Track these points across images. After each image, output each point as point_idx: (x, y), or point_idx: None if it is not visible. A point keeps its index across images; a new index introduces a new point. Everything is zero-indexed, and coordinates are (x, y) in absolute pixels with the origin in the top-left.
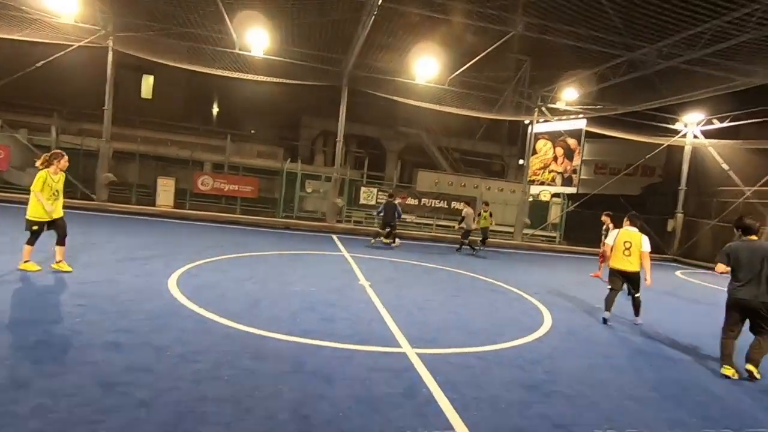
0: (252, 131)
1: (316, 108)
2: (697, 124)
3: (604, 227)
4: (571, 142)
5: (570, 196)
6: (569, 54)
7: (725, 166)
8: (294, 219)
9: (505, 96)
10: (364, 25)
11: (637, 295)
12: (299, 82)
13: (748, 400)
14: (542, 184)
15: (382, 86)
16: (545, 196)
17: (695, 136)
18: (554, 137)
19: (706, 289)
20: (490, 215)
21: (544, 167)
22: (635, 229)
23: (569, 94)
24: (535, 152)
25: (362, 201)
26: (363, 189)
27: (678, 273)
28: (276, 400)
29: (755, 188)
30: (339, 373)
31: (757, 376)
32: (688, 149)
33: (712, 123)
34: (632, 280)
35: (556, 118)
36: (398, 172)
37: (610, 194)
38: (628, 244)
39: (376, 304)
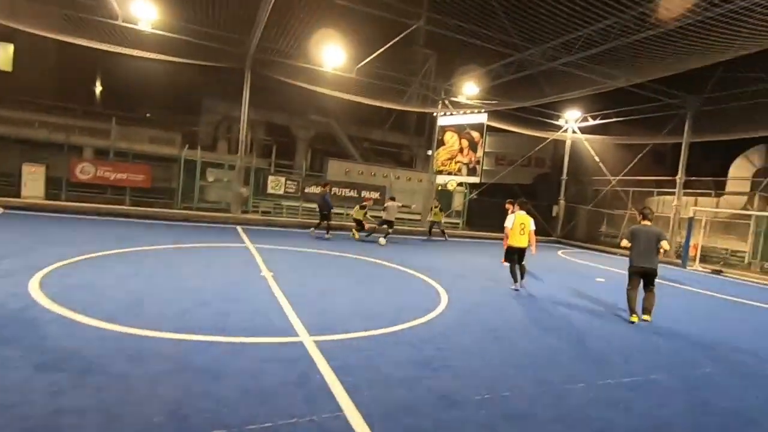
0: (147, 114)
1: (220, 91)
2: (576, 120)
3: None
4: (475, 134)
5: (472, 185)
6: (468, 50)
7: (597, 158)
8: (194, 210)
9: (413, 88)
10: (266, 5)
11: (524, 263)
12: (195, 61)
13: (638, 338)
14: (450, 174)
15: (289, 72)
16: (452, 186)
17: (574, 132)
18: (460, 130)
19: (581, 265)
20: (441, 210)
21: (452, 158)
22: (525, 213)
23: (469, 88)
24: (443, 144)
25: (270, 190)
26: (271, 178)
27: (560, 252)
28: (152, 403)
29: (618, 178)
30: (228, 368)
31: (649, 319)
32: (568, 143)
33: (587, 120)
34: (522, 253)
35: (460, 111)
36: (309, 160)
37: (507, 183)
38: (522, 225)
39: (277, 295)
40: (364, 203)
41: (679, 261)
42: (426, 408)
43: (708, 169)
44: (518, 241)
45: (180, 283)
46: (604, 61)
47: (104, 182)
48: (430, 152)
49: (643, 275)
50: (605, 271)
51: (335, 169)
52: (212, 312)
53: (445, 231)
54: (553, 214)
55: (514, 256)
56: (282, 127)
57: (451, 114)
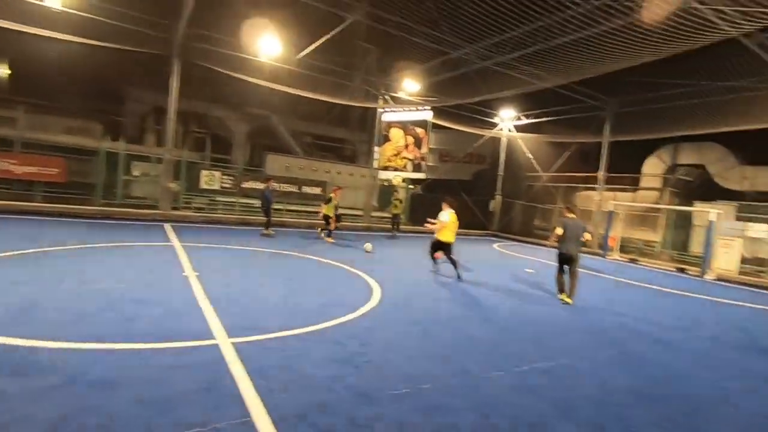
0: (62, 103)
1: (147, 80)
2: (511, 119)
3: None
4: (420, 131)
5: (414, 180)
6: (407, 47)
7: (529, 155)
8: (117, 207)
9: (355, 83)
10: None
11: (453, 256)
12: (114, 45)
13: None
14: (396, 169)
15: (223, 62)
16: (397, 181)
17: (509, 130)
18: (405, 126)
19: (513, 257)
20: (401, 202)
21: (397, 154)
22: (453, 211)
23: (409, 85)
24: (388, 140)
25: (203, 186)
26: (204, 172)
27: (495, 245)
28: (29, 423)
29: (549, 174)
30: (128, 377)
31: (570, 301)
32: (504, 141)
33: (521, 119)
34: (450, 247)
35: (405, 108)
36: (248, 155)
37: (449, 179)
38: (453, 221)
39: (198, 296)
40: (331, 196)
41: (601, 251)
42: (341, 407)
43: (627, 167)
44: (449, 237)
45: (85, 286)
46: (532, 63)
47: (9, 176)
48: (376, 149)
49: (568, 260)
50: (535, 262)
51: (274, 163)
52: (117, 317)
53: (400, 226)
54: (490, 208)
55: (442, 248)
56: (218, 119)
57: (394, 110)
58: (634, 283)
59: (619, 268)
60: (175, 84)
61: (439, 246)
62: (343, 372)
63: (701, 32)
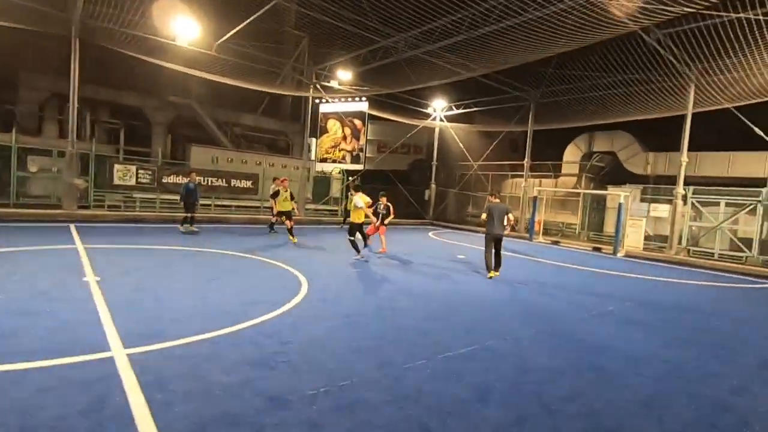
0: None
1: (45, 63)
2: (442, 109)
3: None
4: (357, 122)
5: (351, 172)
6: (338, 35)
7: (461, 145)
8: (11, 207)
9: (286, 71)
10: None
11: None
12: (2, 23)
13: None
14: (335, 161)
15: (131, 44)
16: (335, 172)
17: (442, 120)
18: (342, 117)
19: (447, 244)
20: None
21: (335, 146)
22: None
23: (341, 74)
24: (326, 131)
25: (117, 181)
26: (117, 167)
27: (430, 233)
28: None
29: (480, 162)
30: None
31: (496, 274)
32: (437, 130)
33: (453, 109)
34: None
35: (340, 98)
36: (169, 147)
37: (386, 170)
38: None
39: (98, 304)
40: (278, 189)
41: (527, 234)
42: (250, 414)
43: (551, 155)
44: (362, 217)
45: None
46: (459, 52)
47: None
48: (312, 140)
49: (495, 241)
50: (468, 248)
51: (200, 156)
52: None
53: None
54: (426, 197)
55: (355, 230)
56: (133, 108)
57: (328, 101)
58: (557, 263)
59: (542, 250)
60: (75, 68)
61: (356, 228)
62: (255, 375)
63: (607, 25)
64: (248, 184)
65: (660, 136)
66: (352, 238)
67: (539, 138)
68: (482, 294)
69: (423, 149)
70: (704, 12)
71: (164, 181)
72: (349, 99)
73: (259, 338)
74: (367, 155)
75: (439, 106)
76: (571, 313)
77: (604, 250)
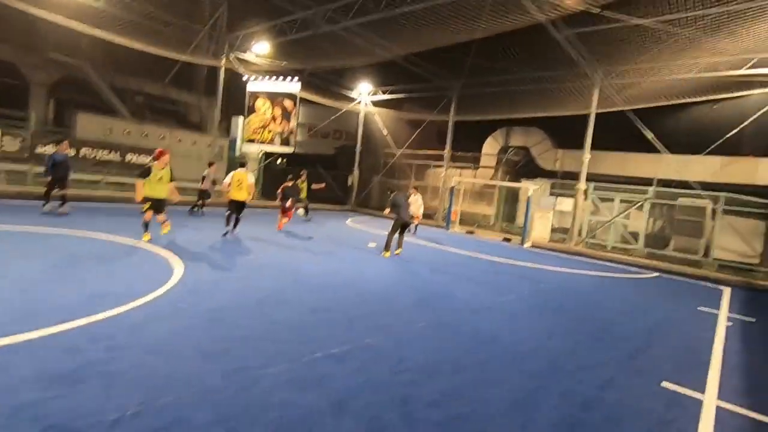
0: None
1: None
2: (368, 93)
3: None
4: (288, 103)
5: (269, 155)
6: (255, 2)
7: (384, 131)
8: None
9: (200, 39)
10: None
11: (240, 216)
12: None
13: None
14: (262, 143)
15: None
16: (255, 155)
17: (367, 104)
18: (272, 97)
19: (362, 232)
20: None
21: (264, 126)
22: (244, 170)
23: (259, 46)
24: (254, 111)
25: None
26: None
27: (349, 221)
28: None
29: (405, 150)
30: None
31: (399, 253)
32: (361, 115)
33: (378, 93)
34: (241, 205)
35: (271, 77)
36: (51, 112)
37: (313, 153)
38: (239, 181)
39: None
40: (150, 165)
41: (444, 224)
42: None
43: (473, 147)
44: (236, 195)
45: None
46: (377, 31)
47: None
48: (240, 118)
49: (402, 226)
50: (382, 237)
51: (90, 124)
52: None
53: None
54: (349, 183)
55: (233, 207)
56: (5, 63)
57: (260, 80)
58: (466, 252)
59: (456, 240)
60: None
61: (231, 204)
62: (48, 394)
63: (517, 13)
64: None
65: (569, 134)
66: (228, 213)
67: (463, 130)
68: (378, 284)
69: (352, 134)
70: (604, 14)
71: (38, 151)
72: (281, 78)
73: (81, 342)
74: (297, 138)
75: (365, 90)
76: (464, 304)
77: (513, 241)
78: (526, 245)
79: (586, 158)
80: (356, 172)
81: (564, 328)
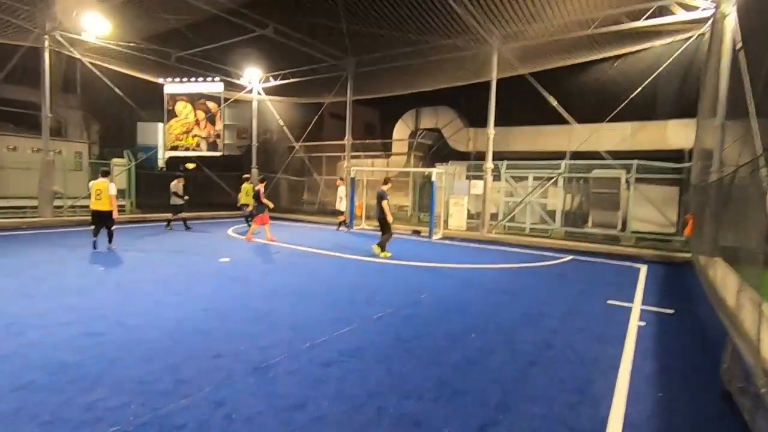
0: None
1: None
2: (259, 80)
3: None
4: (211, 105)
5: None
6: None
7: (281, 122)
8: None
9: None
10: None
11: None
12: None
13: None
14: (187, 149)
15: None
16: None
17: (259, 93)
18: (194, 99)
19: (235, 242)
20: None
21: (187, 131)
22: (103, 180)
23: (93, 22)
24: (174, 115)
25: None
26: None
27: (231, 229)
28: None
29: (303, 144)
30: None
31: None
32: (255, 104)
33: (269, 80)
34: (102, 216)
35: (188, 78)
36: None
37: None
38: (98, 191)
39: None
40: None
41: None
42: None
43: (385, 133)
44: (95, 205)
45: None
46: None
47: None
48: (159, 125)
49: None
50: (259, 247)
51: None
52: None
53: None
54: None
55: (95, 219)
56: None
57: (179, 81)
58: (351, 257)
59: (352, 239)
60: None
61: (98, 217)
62: None
63: None
64: None
65: (479, 111)
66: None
67: (370, 116)
68: (192, 314)
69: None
70: None
71: None
72: (200, 79)
73: None
74: (226, 142)
75: (255, 77)
76: (318, 327)
77: (422, 233)
78: (435, 237)
79: (491, 133)
80: (254, 170)
81: (420, 365)
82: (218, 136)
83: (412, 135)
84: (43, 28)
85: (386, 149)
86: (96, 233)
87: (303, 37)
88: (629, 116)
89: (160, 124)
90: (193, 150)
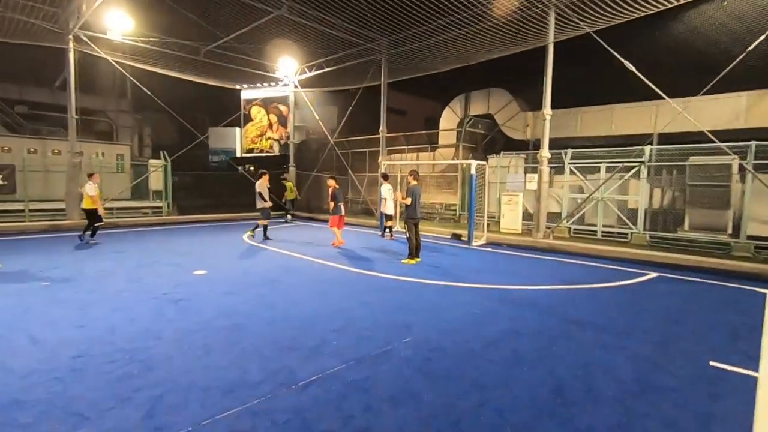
0: None
1: None
2: (296, 73)
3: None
4: (283, 108)
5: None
6: None
7: (317, 117)
8: None
9: (28, 11)
10: None
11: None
12: None
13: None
14: (261, 151)
15: None
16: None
17: (296, 86)
18: (267, 103)
19: (259, 250)
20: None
21: (262, 134)
22: (88, 181)
23: (117, 20)
24: (250, 119)
25: None
26: None
27: (246, 234)
28: None
29: (337, 139)
30: None
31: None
32: (291, 97)
33: (305, 72)
34: (88, 214)
35: (263, 84)
36: None
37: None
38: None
39: None
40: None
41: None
42: None
43: (432, 125)
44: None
45: None
46: None
47: None
48: (236, 129)
49: (416, 224)
50: (276, 255)
51: None
52: None
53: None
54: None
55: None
56: None
57: (254, 87)
58: (358, 270)
59: (382, 244)
60: None
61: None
62: None
63: None
64: None
65: (540, 90)
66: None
67: (431, 110)
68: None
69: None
70: None
71: None
72: (272, 84)
73: None
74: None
75: (291, 69)
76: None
77: (463, 237)
78: (476, 243)
79: (548, 114)
80: (292, 169)
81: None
82: (288, 137)
83: (460, 124)
84: (66, 28)
85: (431, 141)
86: (86, 229)
87: (332, 20)
88: (744, 83)
89: (237, 129)
90: (267, 152)
